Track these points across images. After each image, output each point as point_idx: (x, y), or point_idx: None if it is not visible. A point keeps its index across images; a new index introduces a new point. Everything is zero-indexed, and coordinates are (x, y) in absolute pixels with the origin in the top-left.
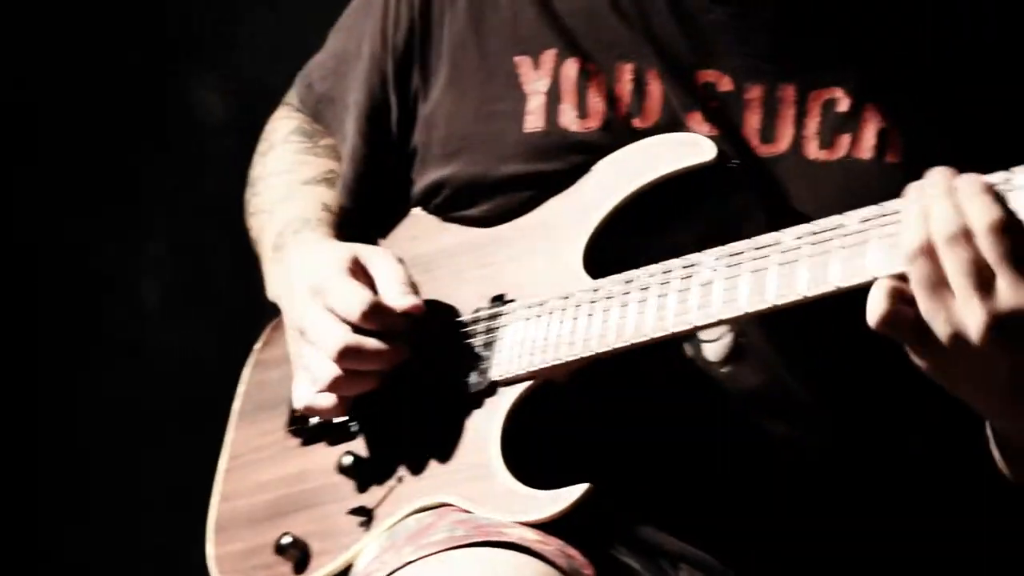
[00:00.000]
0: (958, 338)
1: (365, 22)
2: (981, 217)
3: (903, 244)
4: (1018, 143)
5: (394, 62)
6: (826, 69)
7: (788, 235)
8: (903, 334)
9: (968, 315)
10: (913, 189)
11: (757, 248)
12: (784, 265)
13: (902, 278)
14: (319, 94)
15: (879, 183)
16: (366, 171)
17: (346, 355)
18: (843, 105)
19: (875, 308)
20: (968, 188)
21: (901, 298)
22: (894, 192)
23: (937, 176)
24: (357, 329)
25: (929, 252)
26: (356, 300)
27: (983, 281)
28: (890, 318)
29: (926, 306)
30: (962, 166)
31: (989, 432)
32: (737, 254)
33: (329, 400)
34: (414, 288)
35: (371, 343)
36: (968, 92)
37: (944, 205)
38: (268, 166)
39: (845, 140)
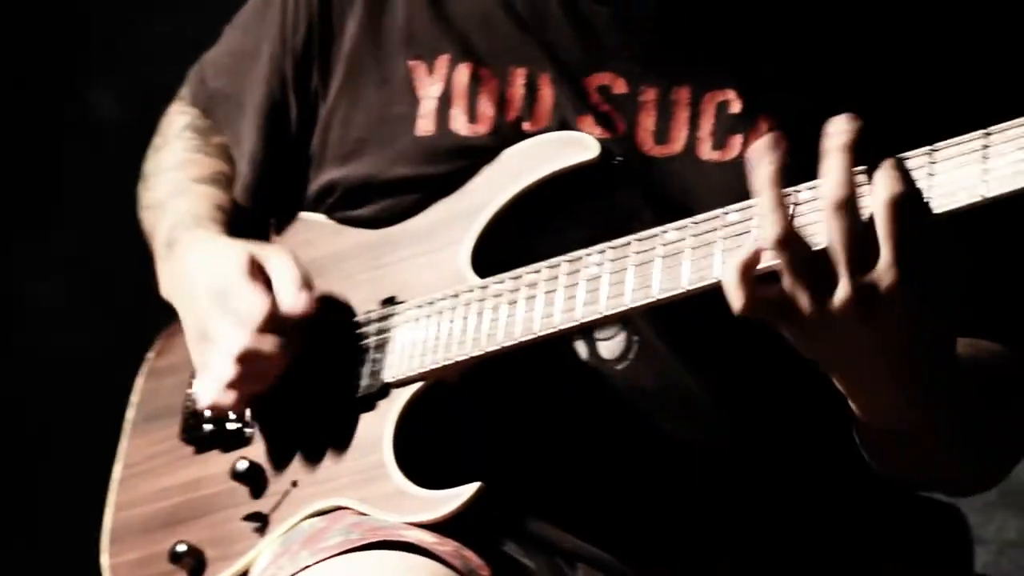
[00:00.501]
0: (823, 311)
1: (263, 22)
2: (886, 189)
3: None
4: (911, 137)
5: (293, 63)
6: (719, 71)
7: (672, 228)
8: (767, 314)
9: (840, 288)
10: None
11: (641, 242)
12: (668, 258)
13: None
14: (212, 90)
15: None
16: (266, 173)
17: (246, 357)
18: (736, 107)
19: (735, 298)
20: (883, 163)
21: (756, 279)
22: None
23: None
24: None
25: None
26: (256, 305)
27: (862, 253)
28: (751, 304)
29: (790, 279)
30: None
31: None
32: (622, 247)
33: (230, 397)
34: (308, 284)
35: (268, 346)
36: (859, 90)
37: (839, 168)
38: (161, 161)
39: (738, 141)
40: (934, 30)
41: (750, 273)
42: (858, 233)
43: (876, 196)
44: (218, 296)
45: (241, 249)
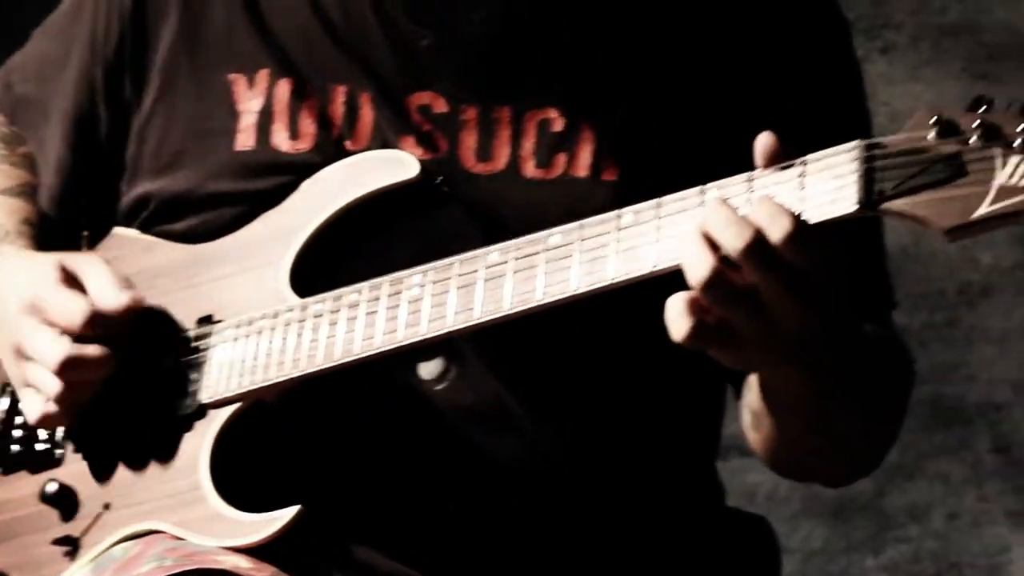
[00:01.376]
0: (762, 323)
1: (73, 28)
2: (737, 241)
3: (692, 273)
4: (735, 153)
5: (104, 72)
6: (539, 91)
7: (495, 250)
8: (710, 342)
9: (779, 309)
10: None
11: (463, 264)
12: (490, 281)
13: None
14: (18, 96)
15: (596, 201)
16: (73, 182)
17: (69, 366)
18: (558, 125)
19: (679, 328)
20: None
21: (699, 309)
22: (611, 209)
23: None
24: (78, 338)
25: (720, 273)
26: (75, 309)
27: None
28: (696, 331)
29: (736, 311)
30: (680, 179)
31: (761, 402)
32: (445, 268)
33: (57, 410)
34: (127, 283)
35: (92, 350)
36: (679, 106)
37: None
38: None
39: (561, 159)
40: (747, 32)
41: (696, 303)
42: (738, 287)
43: (732, 249)
44: (31, 308)
45: (50, 259)
